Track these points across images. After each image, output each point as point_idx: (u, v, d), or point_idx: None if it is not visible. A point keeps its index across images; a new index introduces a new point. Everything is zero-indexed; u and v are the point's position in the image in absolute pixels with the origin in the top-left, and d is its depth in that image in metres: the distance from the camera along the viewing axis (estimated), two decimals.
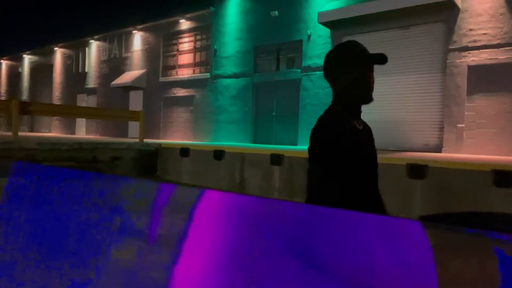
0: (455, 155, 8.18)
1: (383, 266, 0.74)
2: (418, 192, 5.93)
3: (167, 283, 0.91)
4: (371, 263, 0.76)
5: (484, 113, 8.61)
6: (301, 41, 11.98)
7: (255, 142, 12.92)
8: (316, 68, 11.30)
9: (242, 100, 13.36)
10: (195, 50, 15.42)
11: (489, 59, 8.61)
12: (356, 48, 1.50)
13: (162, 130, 16.13)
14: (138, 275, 0.96)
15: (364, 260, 0.76)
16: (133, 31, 17.50)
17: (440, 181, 5.75)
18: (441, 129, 9.21)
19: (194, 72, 15.32)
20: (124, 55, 18.10)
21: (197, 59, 15.31)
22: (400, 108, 9.81)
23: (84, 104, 19.40)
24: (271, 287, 0.80)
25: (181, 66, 15.86)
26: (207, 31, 14.84)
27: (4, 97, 25.44)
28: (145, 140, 11.68)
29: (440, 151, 9.12)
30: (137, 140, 11.60)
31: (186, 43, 15.76)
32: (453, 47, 9.09)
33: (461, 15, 9.02)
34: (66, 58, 21.60)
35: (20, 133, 10.05)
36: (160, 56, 16.55)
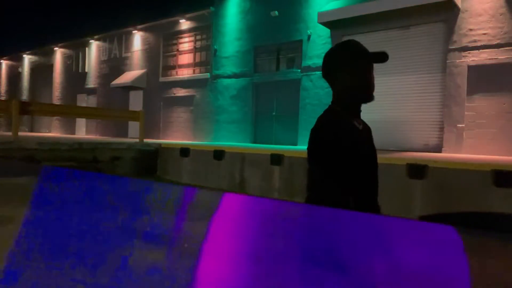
0: (455, 155, 8.18)
1: (413, 271, 0.73)
2: (418, 192, 5.93)
3: (189, 287, 0.90)
4: (399, 268, 0.76)
5: (484, 113, 8.61)
6: (301, 41, 11.98)
7: (255, 142, 12.92)
8: (316, 68, 11.30)
9: (242, 100, 13.36)
10: (195, 50, 15.42)
11: (489, 59, 8.61)
12: (355, 47, 1.50)
13: (162, 130, 16.13)
14: (161, 279, 0.96)
15: (391, 264, 0.76)
16: (133, 31, 17.51)
17: (440, 181, 5.75)
18: (441, 129, 9.21)
19: (194, 72, 15.32)
20: (124, 55, 18.10)
21: (197, 59, 15.31)
22: (400, 108, 9.81)
23: (84, 104, 19.40)
24: None
25: (181, 66, 15.86)
26: (207, 31, 14.84)
27: (4, 97, 25.44)
28: (145, 140, 11.68)
29: (440, 151, 9.12)
30: (137, 140, 11.60)
31: (186, 43, 15.76)
32: (453, 47, 9.09)
33: (461, 15, 9.02)
34: (66, 58, 21.61)
35: (20, 133, 10.05)
36: (160, 56, 16.55)
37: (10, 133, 10.68)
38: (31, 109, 10.33)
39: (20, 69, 24.84)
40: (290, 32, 12.24)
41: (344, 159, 1.36)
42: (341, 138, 1.39)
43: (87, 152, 9.04)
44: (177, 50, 15.97)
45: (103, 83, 19.03)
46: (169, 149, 10.05)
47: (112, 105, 17.74)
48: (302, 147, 10.32)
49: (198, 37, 15.31)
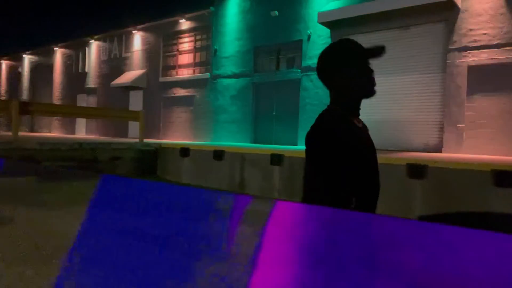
0: (455, 155, 8.18)
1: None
2: (418, 192, 5.93)
3: None
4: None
5: (484, 113, 8.61)
6: (301, 41, 11.98)
7: (255, 142, 12.92)
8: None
9: (242, 100, 13.36)
10: (195, 50, 15.42)
11: (489, 59, 8.61)
12: (351, 45, 1.49)
13: (162, 130, 16.13)
14: None
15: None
16: (133, 31, 17.51)
17: (440, 181, 5.75)
18: (441, 129, 9.21)
19: (194, 72, 15.32)
20: (124, 55, 18.10)
21: (197, 59, 15.31)
22: (400, 108, 9.81)
23: (84, 104, 19.40)
24: None
25: (181, 66, 15.86)
26: (207, 31, 14.84)
27: (4, 97, 25.44)
28: (145, 140, 11.68)
29: (440, 151, 9.12)
30: (137, 140, 11.60)
31: (186, 43, 15.76)
32: (453, 47, 9.09)
33: (461, 15, 9.03)
34: (66, 58, 21.61)
35: (20, 133, 10.05)
36: (160, 56, 16.55)
37: (10, 133, 10.68)
38: (31, 109, 10.33)
39: (20, 69, 24.84)
40: (290, 32, 12.24)
41: (349, 159, 1.35)
42: (345, 138, 1.39)
43: (87, 152, 9.04)
44: (177, 50, 15.97)
45: (103, 83, 19.03)
46: (169, 149, 10.05)
47: (112, 105, 17.74)
48: (302, 147, 10.30)
49: (198, 37, 15.31)
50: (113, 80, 17.80)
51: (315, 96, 11.30)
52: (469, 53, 8.89)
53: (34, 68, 24.04)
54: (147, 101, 16.69)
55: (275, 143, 12.23)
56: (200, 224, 1.04)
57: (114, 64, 18.52)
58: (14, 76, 25.43)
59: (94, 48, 19.77)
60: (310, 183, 1.41)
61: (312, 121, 1.50)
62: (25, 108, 9.88)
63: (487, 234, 0.69)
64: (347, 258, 0.81)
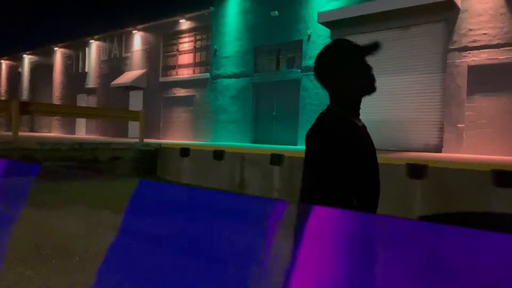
0: (455, 155, 8.18)
1: None
2: (418, 192, 5.93)
3: None
4: (399, 268, 0.75)
5: (484, 113, 8.61)
6: (301, 41, 11.98)
7: (255, 142, 12.92)
8: None
9: (242, 100, 13.36)
10: (195, 50, 15.42)
11: (489, 59, 8.61)
12: (347, 44, 1.50)
13: (162, 130, 16.13)
14: None
15: (392, 264, 0.75)
16: (133, 31, 17.51)
17: (440, 181, 5.75)
18: (441, 129, 9.21)
19: (194, 72, 15.32)
20: (124, 55, 18.10)
21: (197, 59, 15.31)
22: (400, 108, 9.81)
23: (84, 104, 19.40)
24: None
25: (181, 66, 15.86)
26: (207, 31, 14.84)
27: (4, 97, 25.44)
28: (145, 140, 11.68)
29: (440, 151, 9.12)
30: (137, 140, 11.60)
31: (186, 43, 15.76)
32: (453, 47, 9.09)
33: (461, 15, 9.02)
34: (66, 58, 21.61)
35: (20, 133, 10.05)
36: (160, 56, 16.55)
37: (10, 133, 10.68)
38: (31, 109, 10.33)
39: (20, 69, 24.84)
40: (290, 32, 12.24)
41: (349, 159, 1.35)
42: (345, 137, 1.39)
43: (87, 152, 9.04)
44: (177, 50, 15.97)
45: (103, 83, 19.03)
46: (169, 149, 10.05)
47: (112, 105, 17.74)
48: (302, 147, 10.32)
49: (198, 37, 15.30)
50: (113, 80, 17.80)
51: (315, 96, 11.30)
52: (469, 53, 8.89)
53: (34, 68, 24.04)
54: (147, 101, 16.69)
55: (275, 143, 12.23)
56: (233, 230, 1.03)
57: (114, 64, 18.52)
58: (14, 76, 25.42)
59: (94, 48, 19.77)
60: (309, 182, 1.40)
61: (312, 121, 1.50)
62: (25, 108, 9.88)
63: (487, 234, 0.69)
64: (384, 265, 0.79)
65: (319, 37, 11.48)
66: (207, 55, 14.88)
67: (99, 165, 9.16)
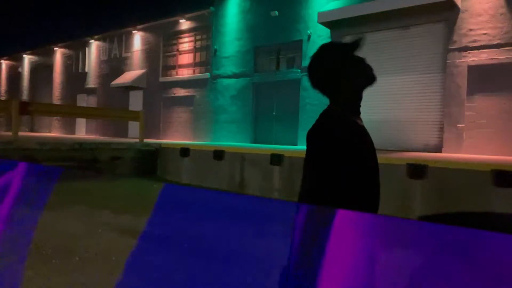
0: (455, 155, 8.18)
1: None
2: (418, 192, 5.93)
3: None
4: (399, 268, 0.74)
5: (484, 113, 8.61)
6: (301, 41, 11.98)
7: (255, 142, 12.92)
8: None
9: (242, 100, 13.36)
10: (195, 50, 15.42)
11: (489, 59, 8.61)
12: (335, 45, 1.53)
13: (162, 130, 16.13)
14: None
15: (392, 264, 0.75)
16: (133, 31, 17.50)
17: (440, 181, 5.75)
18: (441, 129, 9.21)
19: (194, 72, 15.32)
20: (124, 55, 18.10)
21: (197, 59, 15.31)
22: (400, 108, 9.81)
23: (84, 104, 19.39)
24: None
25: (181, 66, 15.86)
26: (207, 31, 14.84)
27: (4, 97, 25.44)
28: (145, 140, 11.68)
29: (440, 151, 9.12)
30: (137, 140, 11.60)
31: (186, 43, 15.76)
32: (453, 47, 9.09)
33: (461, 15, 9.02)
34: (66, 58, 21.60)
35: (20, 133, 10.05)
36: (160, 56, 16.55)
37: (10, 133, 10.68)
38: (31, 109, 10.33)
39: (20, 69, 24.84)
40: (290, 32, 12.24)
41: (350, 158, 1.35)
42: (346, 137, 1.39)
43: (87, 152, 9.04)
44: (177, 50, 15.97)
45: (103, 83, 19.03)
46: (169, 149, 10.05)
47: (112, 105, 17.74)
48: (302, 147, 10.32)
49: (198, 37, 15.30)
50: (113, 80, 17.79)
51: (315, 96, 11.29)
52: (469, 53, 8.89)
53: (34, 68, 24.04)
54: (147, 101, 16.69)
55: (275, 143, 12.23)
56: (255, 233, 1.03)
57: (114, 64, 18.52)
58: (14, 76, 25.42)
59: (94, 48, 19.77)
60: (310, 182, 1.40)
61: (312, 121, 1.50)
62: (25, 108, 9.87)
63: (487, 234, 0.69)
64: (411, 268, 0.78)
65: (319, 37, 11.48)
66: (207, 55, 14.88)
67: (99, 165, 9.15)
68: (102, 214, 5.41)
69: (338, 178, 1.34)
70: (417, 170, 5.92)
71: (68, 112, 12.78)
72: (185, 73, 15.62)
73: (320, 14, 10.81)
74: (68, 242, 3.89)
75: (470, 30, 8.91)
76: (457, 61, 9.02)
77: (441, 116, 9.24)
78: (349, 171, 1.35)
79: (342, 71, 1.46)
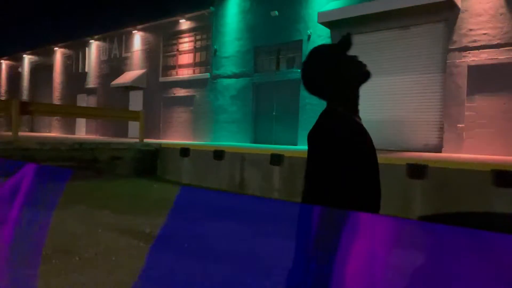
0: (455, 155, 8.18)
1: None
2: (418, 192, 5.93)
3: None
4: (399, 268, 0.74)
5: (484, 113, 8.61)
6: (301, 41, 11.98)
7: (255, 142, 12.92)
8: None
9: (242, 100, 13.36)
10: (195, 50, 15.42)
11: (489, 59, 8.61)
12: (326, 48, 1.53)
13: (162, 130, 16.13)
14: None
15: (392, 264, 0.75)
16: (133, 31, 17.51)
17: (440, 181, 5.75)
18: (441, 129, 9.21)
19: (194, 72, 15.32)
20: (124, 55, 18.10)
21: (197, 59, 15.31)
22: (400, 108, 9.81)
23: (84, 104, 19.40)
24: None
25: (181, 66, 15.86)
26: (207, 31, 14.84)
27: (4, 97, 25.44)
28: (145, 140, 11.68)
29: (440, 151, 9.12)
30: (137, 140, 11.60)
31: (186, 43, 15.76)
32: (453, 47, 9.09)
33: (461, 15, 9.03)
34: (66, 58, 21.61)
35: (20, 133, 10.05)
36: (160, 56, 16.55)
37: (10, 133, 10.68)
38: (31, 109, 10.33)
39: (20, 69, 24.84)
40: (290, 32, 12.24)
41: (352, 158, 1.36)
42: (347, 137, 1.39)
43: (87, 152, 9.04)
44: (177, 50, 15.97)
45: (103, 83, 19.03)
46: (169, 149, 10.05)
47: (112, 105, 17.74)
48: (302, 147, 10.32)
49: (198, 37, 15.31)
50: (113, 80, 17.80)
51: (315, 97, 11.28)
52: (469, 53, 8.89)
53: (34, 68, 24.04)
54: (147, 101, 16.69)
55: (275, 143, 12.23)
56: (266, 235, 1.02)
57: (114, 64, 18.52)
58: (14, 76, 25.43)
59: (94, 48, 19.77)
60: (312, 183, 1.40)
61: (312, 121, 1.50)
62: (25, 108, 9.87)
63: (487, 234, 0.69)
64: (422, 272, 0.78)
65: (319, 37, 11.48)
66: (207, 55, 14.88)
67: (99, 165, 9.16)
68: (102, 214, 5.42)
69: (342, 178, 1.34)
70: (417, 170, 5.92)
71: (68, 112, 12.78)
72: (185, 73, 15.62)
73: (320, 14, 10.81)
74: (68, 242, 3.89)
75: (470, 30, 8.91)
76: (457, 61, 9.02)
77: (441, 116, 9.25)
78: (352, 170, 1.35)
79: (337, 72, 1.47)
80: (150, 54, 16.88)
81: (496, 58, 8.53)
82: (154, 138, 15.70)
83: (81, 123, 20.14)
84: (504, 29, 8.49)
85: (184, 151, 9.46)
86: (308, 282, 0.91)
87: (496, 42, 8.56)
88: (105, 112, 13.71)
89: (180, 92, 15.51)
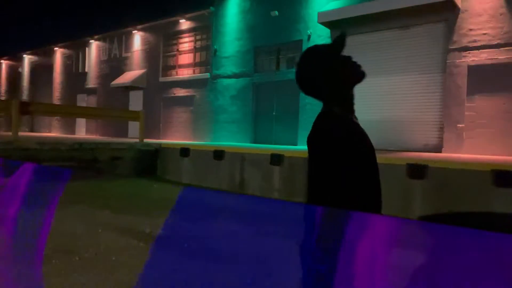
0: (455, 155, 8.18)
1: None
2: (418, 192, 5.93)
3: None
4: (399, 267, 0.75)
5: (484, 113, 8.61)
6: (301, 41, 11.98)
7: (255, 142, 12.92)
8: None
9: (242, 100, 13.36)
10: (195, 50, 15.42)
11: (489, 59, 8.61)
12: (320, 48, 1.52)
13: (162, 130, 16.13)
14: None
15: (392, 264, 0.75)
16: (133, 31, 17.51)
17: (440, 181, 5.75)
18: (441, 129, 9.21)
19: (194, 72, 15.32)
20: (124, 55, 18.10)
21: (197, 59, 15.31)
22: (400, 108, 9.80)
23: (84, 104, 19.40)
24: None
25: (181, 66, 15.86)
26: (207, 31, 14.84)
27: (4, 97, 25.44)
28: (145, 140, 11.68)
29: (440, 151, 9.12)
30: (137, 140, 11.60)
31: (186, 43, 15.76)
32: (453, 47, 9.09)
33: (461, 15, 9.02)
34: (66, 58, 21.61)
35: (20, 133, 10.05)
36: (160, 56, 16.55)
37: (10, 133, 10.68)
38: (31, 109, 10.33)
39: (20, 69, 24.84)
40: (290, 32, 12.24)
41: (353, 158, 1.36)
42: (346, 137, 1.39)
43: (87, 152, 9.04)
44: (177, 50, 15.97)
45: (103, 83, 19.03)
46: (169, 149, 10.05)
47: (112, 105, 17.74)
48: (302, 147, 10.32)
49: (198, 37, 15.31)
50: (113, 80, 17.80)
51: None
52: (469, 53, 8.89)
53: (34, 68, 24.04)
54: (147, 101, 16.69)
55: (275, 143, 12.23)
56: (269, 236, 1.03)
57: (114, 64, 18.52)
58: (14, 76, 25.43)
59: (94, 48, 19.77)
60: (317, 185, 1.40)
61: (312, 121, 1.50)
62: (25, 108, 9.87)
63: (487, 234, 0.69)
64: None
65: (319, 37, 11.48)
66: (207, 55, 14.88)
67: (99, 165, 9.16)
68: (102, 214, 5.42)
69: (346, 178, 1.34)
70: (417, 170, 5.92)
71: (68, 112, 12.78)
72: (185, 73, 15.62)
73: (320, 14, 10.81)
74: (68, 242, 3.89)
75: (470, 30, 8.91)
76: (457, 61, 9.02)
77: (441, 116, 9.24)
78: (354, 170, 1.35)
79: (334, 72, 1.47)
80: (150, 54, 16.88)
81: (496, 58, 8.53)
82: (154, 138, 15.70)
83: (81, 123, 20.14)
84: (504, 29, 8.49)
85: (184, 151, 9.46)
86: (309, 282, 0.91)
87: (496, 42, 8.56)
88: (105, 112, 13.71)
89: (180, 92, 15.51)
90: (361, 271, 0.81)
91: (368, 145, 1.47)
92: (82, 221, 4.95)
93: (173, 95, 15.79)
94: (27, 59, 24.44)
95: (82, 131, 20.17)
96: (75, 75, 20.79)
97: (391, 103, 9.83)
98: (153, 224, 4.46)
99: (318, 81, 1.50)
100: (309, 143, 1.43)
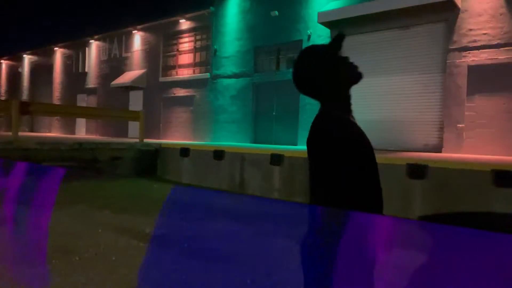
0: (455, 155, 8.18)
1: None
2: (418, 192, 5.93)
3: None
4: (400, 267, 0.75)
5: (484, 113, 8.61)
6: (301, 41, 11.98)
7: (255, 142, 12.92)
8: None
9: (242, 100, 13.36)
10: (195, 50, 15.42)
11: (489, 59, 8.61)
12: (318, 48, 1.52)
13: (162, 130, 16.13)
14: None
15: (392, 263, 0.75)
16: (133, 31, 17.50)
17: (440, 181, 5.75)
18: (441, 129, 9.21)
19: (194, 72, 15.32)
20: (124, 55, 18.10)
21: (197, 59, 15.31)
22: (400, 108, 9.80)
23: (84, 104, 19.40)
24: None
25: (181, 66, 15.86)
26: (207, 31, 14.84)
27: (4, 97, 25.44)
28: (145, 140, 11.68)
29: (440, 151, 9.12)
30: (137, 140, 11.60)
31: (186, 43, 15.76)
32: (453, 47, 9.09)
33: (461, 15, 9.02)
34: (66, 58, 21.61)
35: (20, 133, 10.05)
36: (160, 56, 16.55)
37: (10, 133, 10.68)
38: (31, 109, 10.33)
39: (20, 69, 24.84)
40: (290, 32, 12.24)
41: (353, 158, 1.36)
42: (346, 134, 1.39)
43: (87, 152, 9.04)
44: (177, 50, 15.97)
45: (103, 83, 19.03)
46: (169, 149, 10.05)
47: (112, 105, 17.74)
48: (302, 147, 10.32)
49: (198, 37, 15.30)
50: (113, 80, 17.79)
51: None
52: (469, 53, 8.89)
53: (34, 68, 24.04)
54: (147, 101, 16.69)
55: (275, 143, 12.23)
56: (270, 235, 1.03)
57: (114, 64, 18.52)
58: (14, 76, 25.43)
59: (94, 48, 19.77)
60: (318, 186, 1.40)
61: (312, 121, 1.50)
62: (25, 108, 9.87)
63: (487, 234, 0.70)
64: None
65: (319, 37, 11.48)
66: (207, 55, 14.88)
67: (99, 165, 9.16)
68: (102, 214, 5.42)
69: (345, 178, 1.34)
70: (417, 170, 5.92)
71: (68, 112, 12.78)
72: (185, 73, 15.62)
73: (320, 14, 10.81)
74: (68, 242, 3.89)
75: (470, 30, 8.91)
76: (457, 61, 9.02)
77: (441, 116, 9.24)
78: (353, 169, 1.35)
79: (329, 73, 1.47)
80: (150, 54, 16.88)
81: (496, 58, 8.53)
82: (154, 138, 15.70)
83: (81, 123, 20.14)
84: (504, 29, 8.49)
85: (184, 151, 9.46)
86: (309, 283, 0.91)
87: (496, 42, 8.56)
88: (105, 112, 13.72)
89: (180, 92, 15.51)
90: (361, 271, 0.81)
91: (367, 145, 1.47)
92: (82, 221, 4.95)
93: (173, 95, 15.79)
94: (27, 59, 24.43)
95: (82, 131, 20.17)
96: (75, 75, 20.79)
97: (391, 103, 9.83)
98: (153, 224, 4.46)
99: (318, 81, 1.50)
100: (309, 144, 1.43)
